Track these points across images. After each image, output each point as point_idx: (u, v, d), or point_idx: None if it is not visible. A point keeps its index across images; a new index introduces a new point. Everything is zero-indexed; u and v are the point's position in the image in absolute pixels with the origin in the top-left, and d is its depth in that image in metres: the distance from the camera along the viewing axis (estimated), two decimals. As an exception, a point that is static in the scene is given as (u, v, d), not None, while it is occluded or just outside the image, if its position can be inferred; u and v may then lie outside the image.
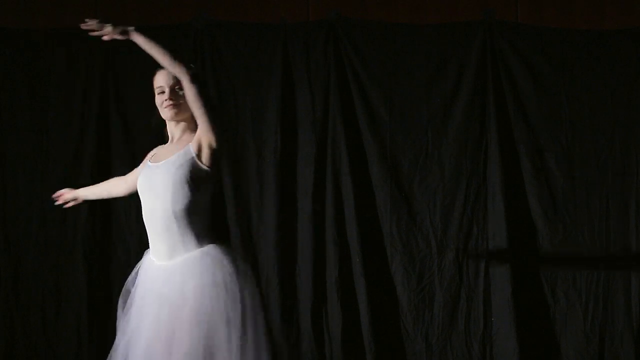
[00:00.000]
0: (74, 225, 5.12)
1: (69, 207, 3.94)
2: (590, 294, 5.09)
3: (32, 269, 5.13)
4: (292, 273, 5.14)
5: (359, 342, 5.09)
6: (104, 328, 4.99)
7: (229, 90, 5.16)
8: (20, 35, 5.16)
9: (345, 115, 5.14)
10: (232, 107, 5.16)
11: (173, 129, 3.46)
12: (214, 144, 3.33)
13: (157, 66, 3.43)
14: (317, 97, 5.17)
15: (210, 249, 3.31)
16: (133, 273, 3.44)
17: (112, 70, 5.18)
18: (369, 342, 5.06)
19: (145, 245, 3.47)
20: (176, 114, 3.40)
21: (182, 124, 3.44)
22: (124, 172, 3.90)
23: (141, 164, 3.63)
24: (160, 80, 3.42)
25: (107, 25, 3.27)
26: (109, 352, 3.42)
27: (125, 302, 3.41)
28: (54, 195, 3.87)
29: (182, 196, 3.29)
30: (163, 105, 3.40)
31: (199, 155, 3.33)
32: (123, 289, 3.46)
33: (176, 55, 3.28)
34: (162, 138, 3.55)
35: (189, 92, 3.29)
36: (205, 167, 3.34)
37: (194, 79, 3.29)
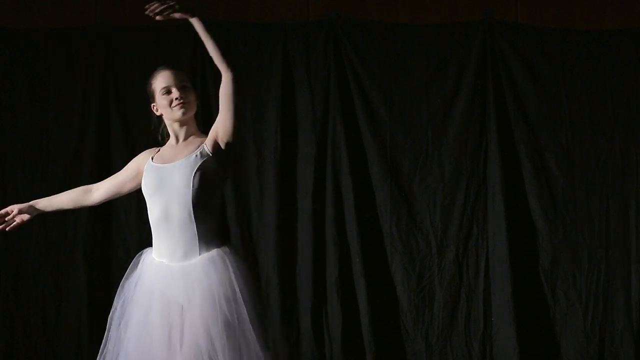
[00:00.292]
0: (75, 225, 5.12)
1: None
2: (590, 294, 5.09)
3: (32, 269, 5.13)
4: (292, 273, 5.14)
5: (359, 342, 5.09)
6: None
7: (229, 90, 5.16)
8: (20, 35, 5.16)
9: (345, 115, 5.15)
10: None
11: (177, 129, 3.44)
12: (231, 139, 3.33)
13: (157, 67, 3.43)
14: (317, 97, 5.17)
15: (222, 250, 3.31)
16: (128, 271, 3.42)
17: (112, 70, 5.18)
18: (369, 342, 5.06)
19: (145, 245, 3.46)
20: (184, 113, 3.39)
21: (187, 126, 3.43)
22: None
23: (128, 168, 3.58)
24: (164, 81, 3.40)
25: (174, 4, 3.24)
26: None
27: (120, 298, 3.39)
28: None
29: (202, 195, 3.28)
30: (172, 104, 3.38)
31: (215, 154, 3.33)
32: (119, 288, 3.44)
33: (225, 51, 3.28)
34: (161, 139, 3.55)
35: (229, 88, 3.29)
36: (221, 166, 3.34)
37: (238, 78, 3.29)
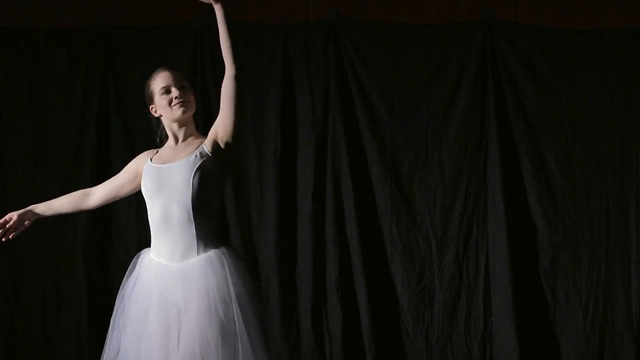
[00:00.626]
0: (74, 227, 5.11)
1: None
2: (590, 294, 5.09)
3: (32, 271, 5.12)
4: (292, 273, 5.14)
5: (359, 342, 5.09)
6: (104, 330, 4.97)
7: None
8: (20, 35, 5.16)
9: (345, 115, 5.15)
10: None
11: (176, 130, 3.44)
12: (230, 140, 3.33)
13: (157, 67, 3.43)
14: (317, 97, 5.17)
15: (220, 251, 3.31)
16: (128, 271, 3.42)
17: (112, 70, 5.18)
18: (369, 342, 5.06)
19: (145, 246, 3.46)
20: (184, 111, 3.39)
21: (186, 126, 3.43)
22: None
23: (126, 170, 3.59)
24: (164, 81, 3.41)
25: None
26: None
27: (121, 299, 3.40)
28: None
29: (201, 196, 3.28)
30: (172, 103, 3.38)
31: (214, 154, 3.33)
32: (120, 288, 3.44)
33: (237, 46, 3.28)
34: (160, 141, 3.55)
35: (231, 84, 3.28)
36: (220, 167, 3.34)
37: (241, 75, 3.29)
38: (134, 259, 3.42)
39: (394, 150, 5.17)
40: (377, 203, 5.15)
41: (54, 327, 5.11)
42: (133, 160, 3.58)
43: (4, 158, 5.17)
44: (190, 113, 3.42)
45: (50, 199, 3.63)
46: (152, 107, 3.46)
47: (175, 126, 3.44)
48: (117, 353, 3.30)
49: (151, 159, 3.45)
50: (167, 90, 3.39)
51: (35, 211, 3.58)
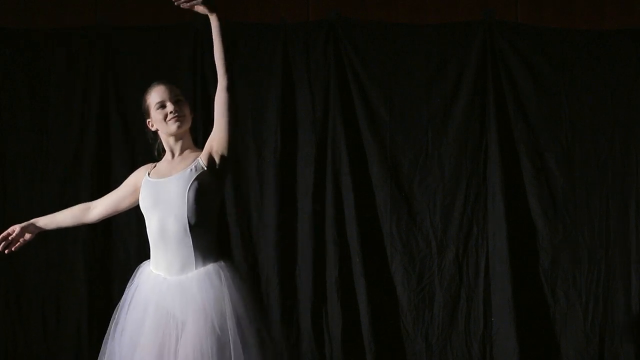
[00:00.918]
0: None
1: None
2: (590, 294, 5.09)
3: (33, 281, 5.11)
4: (292, 273, 5.14)
5: (359, 342, 5.09)
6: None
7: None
8: (20, 35, 5.16)
9: (345, 115, 5.15)
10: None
11: (173, 144, 3.45)
12: (225, 152, 3.34)
13: (156, 67, 3.44)
14: (317, 97, 5.17)
15: (219, 265, 3.32)
16: (129, 283, 3.43)
17: (112, 70, 5.18)
18: (369, 342, 5.06)
19: (145, 258, 3.47)
20: (179, 126, 3.40)
21: (182, 140, 3.44)
22: (124, 172, 3.88)
23: (125, 185, 3.60)
24: (159, 96, 3.41)
25: None
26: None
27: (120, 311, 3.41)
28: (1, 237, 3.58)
29: (197, 210, 3.29)
30: (167, 118, 3.40)
31: (210, 167, 3.34)
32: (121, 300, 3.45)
33: (231, 59, 3.28)
34: (157, 155, 3.55)
35: (224, 97, 3.29)
36: (216, 180, 3.34)
37: (232, 86, 3.29)
38: (135, 271, 3.44)
39: (394, 150, 5.17)
40: (377, 203, 5.15)
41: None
42: (132, 174, 3.61)
43: (4, 158, 5.17)
44: (186, 127, 3.43)
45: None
46: (148, 121, 3.48)
47: (171, 140, 3.45)
48: None
49: (149, 174, 3.46)
50: (162, 105, 3.40)
51: (38, 224, 3.63)
